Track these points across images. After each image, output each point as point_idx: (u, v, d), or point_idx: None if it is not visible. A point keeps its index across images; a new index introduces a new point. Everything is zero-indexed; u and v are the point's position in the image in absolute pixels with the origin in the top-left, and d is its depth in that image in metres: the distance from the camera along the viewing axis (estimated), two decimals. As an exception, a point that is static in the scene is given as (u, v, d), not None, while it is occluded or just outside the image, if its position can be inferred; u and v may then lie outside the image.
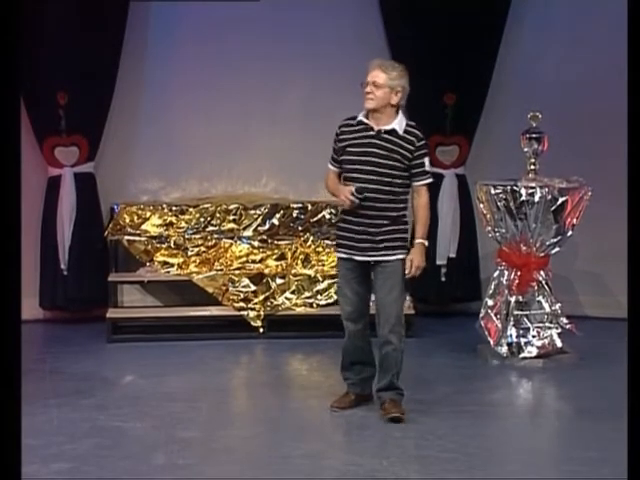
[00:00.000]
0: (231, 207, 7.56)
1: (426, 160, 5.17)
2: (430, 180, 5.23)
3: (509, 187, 6.44)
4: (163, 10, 7.75)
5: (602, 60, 7.60)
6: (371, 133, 5.09)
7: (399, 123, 5.11)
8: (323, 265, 7.43)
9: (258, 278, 7.30)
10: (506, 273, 6.61)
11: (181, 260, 7.44)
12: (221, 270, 7.36)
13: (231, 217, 7.54)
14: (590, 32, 7.68)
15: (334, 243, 5.37)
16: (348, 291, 5.17)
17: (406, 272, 5.09)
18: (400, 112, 5.15)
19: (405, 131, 5.10)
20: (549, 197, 6.38)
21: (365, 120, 5.12)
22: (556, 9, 7.75)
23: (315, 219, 7.58)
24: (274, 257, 7.46)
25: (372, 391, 5.30)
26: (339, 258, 5.22)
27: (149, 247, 7.48)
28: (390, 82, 5.05)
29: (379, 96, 5.04)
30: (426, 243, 5.17)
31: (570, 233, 6.57)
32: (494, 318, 6.61)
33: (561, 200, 6.40)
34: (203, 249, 7.49)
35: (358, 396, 5.32)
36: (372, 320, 5.27)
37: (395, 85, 5.07)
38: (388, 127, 5.08)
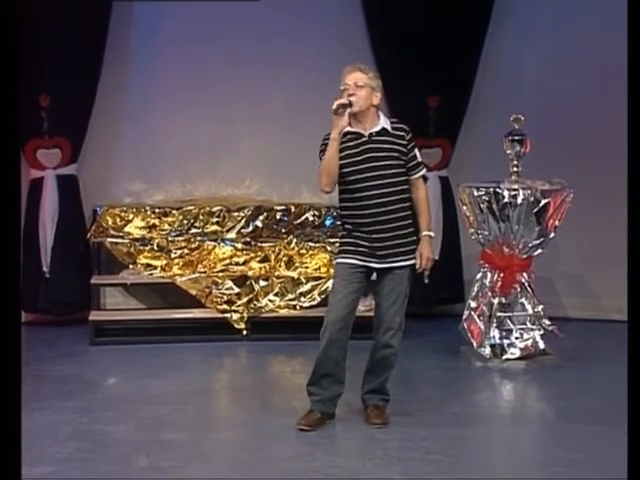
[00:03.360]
0: (214, 209, 7.54)
1: (417, 152, 5.14)
2: (425, 170, 5.22)
3: (492, 189, 6.47)
4: (146, 11, 7.73)
5: (585, 62, 7.64)
6: (363, 139, 5.02)
7: (385, 122, 5.08)
8: (306, 267, 7.43)
9: (241, 280, 7.29)
10: (489, 275, 6.64)
11: (164, 262, 7.42)
12: (204, 272, 7.34)
13: (214, 219, 7.52)
14: (573, 35, 7.72)
15: (340, 249, 5.15)
16: (345, 297, 5.01)
17: (417, 266, 5.05)
18: (381, 113, 5.11)
19: (393, 128, 5.07)
20: (531, 199, 6.41)
21: (352, 129, 5.02)
22: (539, 11, 7.78)
23: (299, 221, 7.58)
24: (257, 259, 7.45)
25: (334, 410, 5.16)
26: (344, 263, 5.05)
27: (132, 249, 7.45)
28: (370, 82, 5.00)
29: (362, 96, 4.96)
30: (433, 234, 5.13)
31: (552, 235, 6.60)
32: (477, 320, 6.63)
33: (543, 202, 6.43)
34: (186, 251, 7.47)
35: (323, 414, 5.11)
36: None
37: (374, 85, 5.03)
38: (377, 128, 5.04)
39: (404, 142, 5.06)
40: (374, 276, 5.14)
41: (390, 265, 5.03)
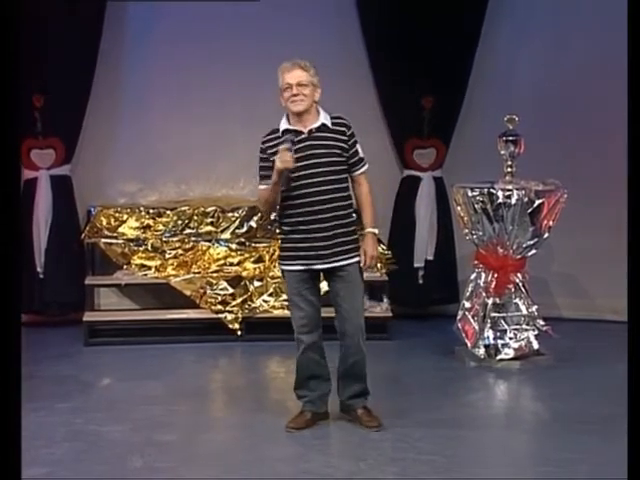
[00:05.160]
0: (209, 210, 7.54)
1: (359, 147, 5.00)
2: (367, 166, 5.05)
3: (486, 190, 6.47)
4: (140, 10, 7.72)
5: (580, 63, 7.64)
6: (303, 136, 4.91)
7: (325, 118, 4.94)
8: (301, 268, 7.43)
9: (236, 281, 7.29)
10: (483, 275, 6.64)
11: (158, 263, 7.42)
12: (199, 273, 7.34)
13: (209, 220, 7.52)
14: (568, 35, 7.72)
15: (281, 254, 5.08)
16: (302, 303, 4.97)
17: (361, 264, 4.95)
18: (320, 108, 4.99)
19: (333, 123, 4.95)
20: (525, 199, 6.41)
21: (291, 127, 4.93)
22: (534, 11, 7.79)
23: (293, 222, 7.57)
24: (252, 260, 7.45)
25: (327, 409, 5.17)
26: (289, 271, 5.00)
27: (126, 250, 7.45)
28: (312, 79, 4.91)
29: (308, 94, 4.86)
30: (377, 231, 5.05)
31: (546, 235, 6.61)
32: (471, 320, 6.63)
33: (537, 202, 6.44)
34: (180, 252, 7.47)
35: (314, 415, 5.12)
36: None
37: (316, 82, 4.94)
38: (317, 124, 4.92)
39: (345, 137, 4.94)
40: (324, 284, 5.06)
41: (334, 265, 4.92)
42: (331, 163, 4.92)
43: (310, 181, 4.89)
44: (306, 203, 4.90)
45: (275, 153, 4.88)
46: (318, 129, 4.94)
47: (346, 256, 4.94)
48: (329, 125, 4.95)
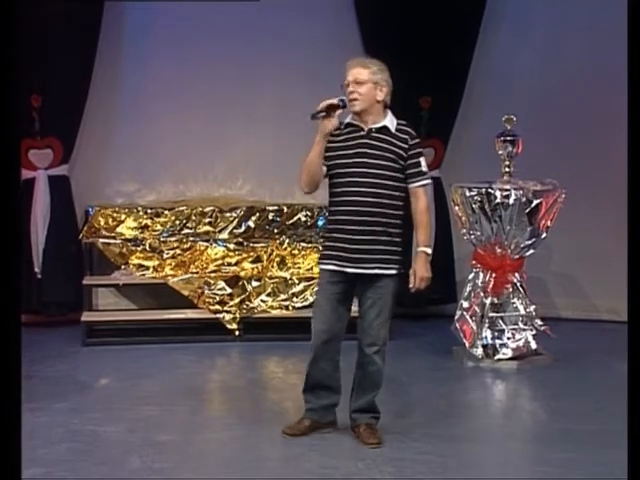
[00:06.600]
0: (207, 210, 7.55)
1: (422, 160, 4.79)
2: (428, 181, 4.86)
3: (484, 189, 6.48)
4: (138, 11, 7.72)
5: (578, 62, 7.66)
6: (361, 133, 4.75)
7: (390, 121, 4.77)
8: (299, 268, 7.44)
9: (234, 281, 7.29)
10: (481, 275, 6.65)
11: (156, 263, 7.42)
12: (197, 273, 7.34)
13: (207, 220, 7.53)
14: (566, 35, 7.74)
15: (321, 253, 4.89)
16: (327, 308, 4.78)
17: (410, 285, 4.76)
18: (389, 111, 4.84)
19: (397, 129, 4.76)
20: (523, 199, 6.42)
21: (353, 122, 4.79)
22: (531, 11, 7.80)
23: (291, 222, 7.58)
24: (250, 260, 7.45)
25: (333, 419, 5.04)
26: (324, 270, 4.81)
27: (124, 250, 7.45)
28: (373, 77, 4.74)
29: (364, 93, 4.69)
30: (429, 251, 4.80)
31: (544, 235, 6.62)
32: (469, 320, 6.63)
33: (535, 202, 6.45)
34: (178, 252, 7.47)
35: (314, 423, 4.96)
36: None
37: (378, 79, 4.73)
38: (379, 125, 4.75)
39: (405, 146, 4.74)
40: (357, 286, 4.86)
41: (364, 271, 4.72)
42: (384, 167, 4.71)
43: (358, 179, 4.71)
44: (351, 202, 4.72)
45: (336, 143, 4.77)
46: (379, 130, 4.77)
47: (380, 265, 4.72)
48: (391, 129, 4.78)
